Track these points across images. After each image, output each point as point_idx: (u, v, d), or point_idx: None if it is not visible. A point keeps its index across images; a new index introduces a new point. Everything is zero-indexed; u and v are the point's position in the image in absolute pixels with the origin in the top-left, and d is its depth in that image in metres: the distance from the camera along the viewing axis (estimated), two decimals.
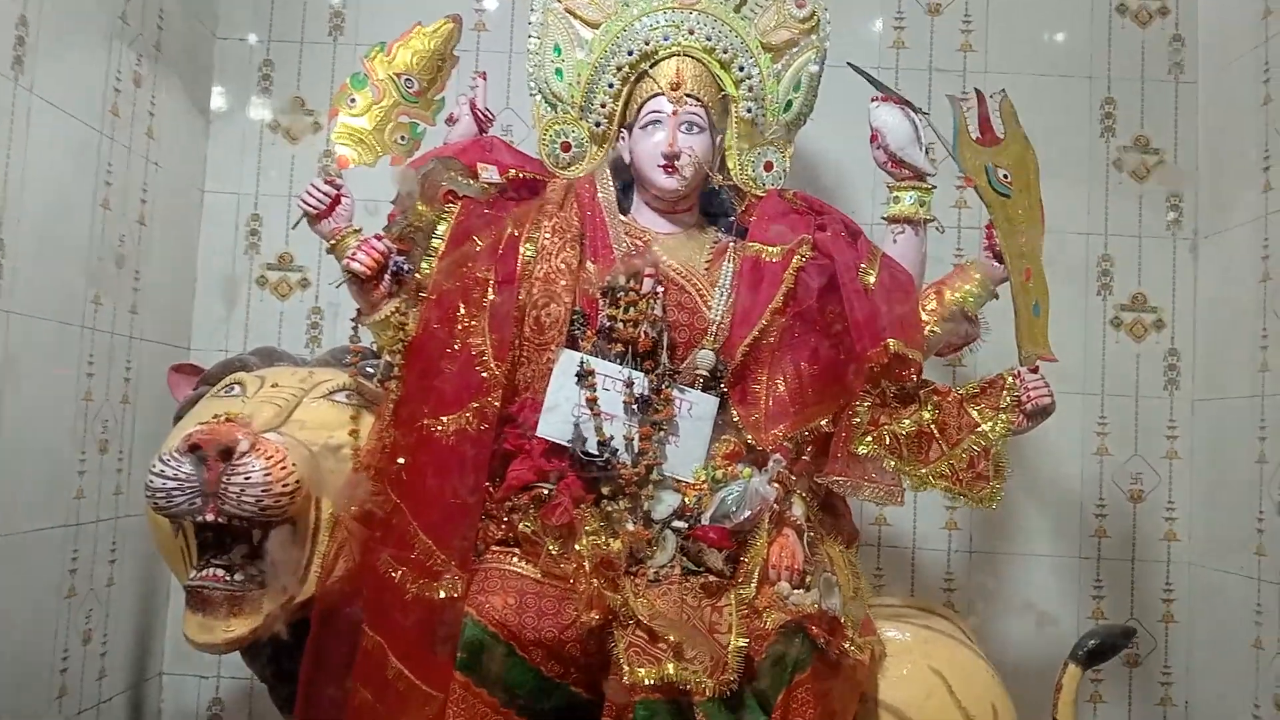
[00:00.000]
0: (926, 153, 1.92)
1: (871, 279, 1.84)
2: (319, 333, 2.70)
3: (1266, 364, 2.38)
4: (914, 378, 1.82)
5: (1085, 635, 2.07)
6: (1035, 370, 1.80)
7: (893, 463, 1.78)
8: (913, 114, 1.92)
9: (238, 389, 1.90)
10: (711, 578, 1.70)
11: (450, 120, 2.08)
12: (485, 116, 2.11)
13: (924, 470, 1.79)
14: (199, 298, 2.71)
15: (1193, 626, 2.63)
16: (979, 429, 1.77)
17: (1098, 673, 2.61)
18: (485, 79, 2.14)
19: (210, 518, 1.65)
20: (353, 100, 1.94)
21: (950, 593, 2.65)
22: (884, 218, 2.00)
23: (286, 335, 2.69)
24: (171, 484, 1.64)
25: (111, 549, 2.37)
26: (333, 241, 1.88)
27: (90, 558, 2.30)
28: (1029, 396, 1.78)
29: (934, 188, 1.96)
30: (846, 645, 1.67)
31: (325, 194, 1.88)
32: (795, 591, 1.69)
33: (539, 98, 2.02)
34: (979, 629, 2.56)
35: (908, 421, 1.80)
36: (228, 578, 1.71)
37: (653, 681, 1.58)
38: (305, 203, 1.89)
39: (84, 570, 2.27)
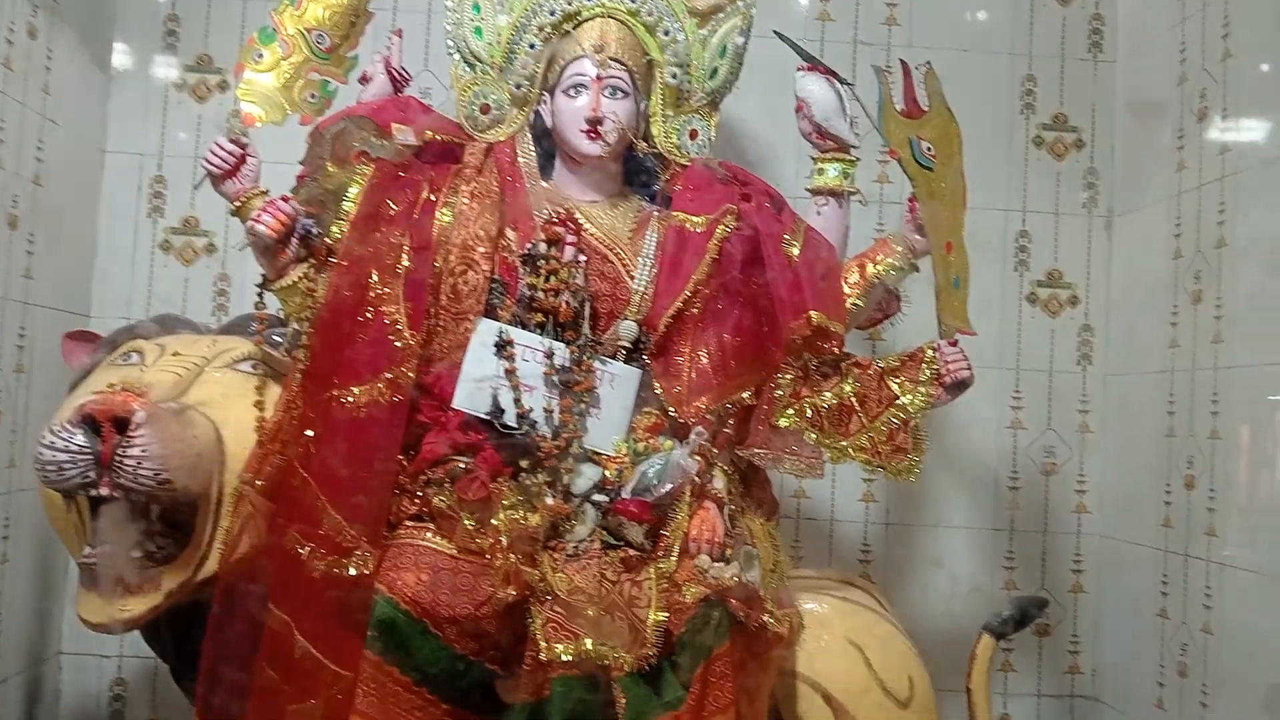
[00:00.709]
0: (851, 125, 1.91)
1: (795, 251, 1.84)
2: (226, 300, 2.60)
3: (1176, 340, 2.44)
4: (836, 350, 1.82)
5: (1000, 606, 2.10)
6: (954, 344, 1.82)
7: (813, 435, 1.79)
8: (838, 85, 1.91)
9: (136, 357, 1.82)
10: (631, 552, 1.69)
11: (364, 79, 2.01)
12: (401, 76, 2.04)
13: (844, 443, 1.80)
14: (99, 262, 2.59)
15: (1101, 597, 2.70)
16: (898, 402, 1.79)
17: (1009, 642, 2.65)
18: (401, 36, 2.07)
19: (105, 492, 1.58)
20: (260, 55, 1.85)
21: (867, 564, 2.68)
22: (808, 189, 1.99)
23: (191, 302, 2.58)
24: (63, 456, 1.57)
25: (4, 524, 2.27)
26: (237, 203, 1.80)
27: None
28: (948, 370, 1.80)
29: (858, 160, 1.95)
30: (765, 618, 1.68)
31: (230, 154, 1.79)
32: (715, 565, 1.68)
33: (457, 57, 1.96)
34: (895, 600, 2.61)
35: (829, 394, 1.80)
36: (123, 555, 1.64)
37: (570, 657, 1.57)
38: (209, 162, 1.80)
39: None
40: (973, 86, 2.68)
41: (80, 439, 1.57)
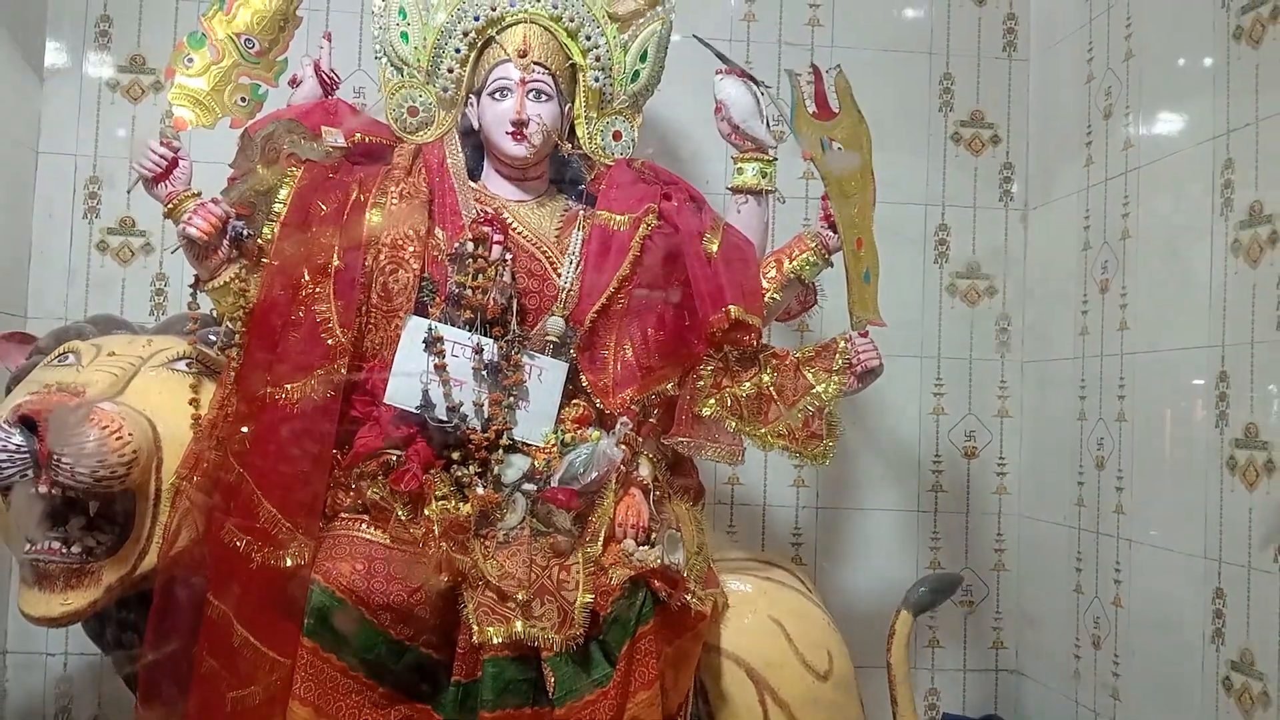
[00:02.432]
0: (768, 126, 1.99)
1: (715, 248, 1.91)
2: (164, 300, 2.62)
3: (1086, 328, 2.55)
4: (754, 342, 1.89)
5: (916, 584, 2.20)
6: (865, 335, 1.90)
7: (734, 423, 1.86)
8: (755, 87, 1.98)
9: (72, 358, 1.83)
10: (560, 538, 1.75)
11: (294, 82, 2.04)
12: (330, 78, 2.08)
13: (763, 430, 1.88)
14: (35, 263, 2.59)
15: (1022, 574, 2.81)
16: (814, 390, 1.87)
17: (934, 619, 2.78)
18: (330, 40, 2.10)
19: (43, 489, 1.60)
20: (190, 60, 1.88)
21: (798, 546, 2.77)
22: (728, 188, 2.06)
23: (129, 302, 2.60)
24: (1, 456, 1.59)
25: None
26: (170, 205, 1.83)
27: None
28: (859, 359, 1.88)
29: (775, 159, 2.03)
30: (688, 598, 1.75)
31: (161, 156, 1.82)
32: (640, 548, 1.75)
33: (385, 61, 2.00)
34: (826, 581, 2.70)
35: (748, 384, 1.88)
36: (64, 550, 1.67)
37: (501, 640, 1.63)
38: (141, 165, 1.83)
39: None
40: (893, 85, 2.79)
41: (18, 439, 1.59)
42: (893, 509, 2.81)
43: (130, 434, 1.65)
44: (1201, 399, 2.10)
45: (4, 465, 1.59)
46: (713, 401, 1.86)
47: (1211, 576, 2.05)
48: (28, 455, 1.59)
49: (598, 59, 2.01)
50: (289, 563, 1.66)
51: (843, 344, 1.90)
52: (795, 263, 1.98)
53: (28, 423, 1.60)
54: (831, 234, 1.96)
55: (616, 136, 2.07)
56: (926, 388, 2.82)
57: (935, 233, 2.84)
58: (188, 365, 1.85)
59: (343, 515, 1.75)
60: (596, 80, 2.01)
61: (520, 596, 1.65)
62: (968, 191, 2.85)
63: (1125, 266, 2.40)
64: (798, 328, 2.69)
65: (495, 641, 1.62)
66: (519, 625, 1.63)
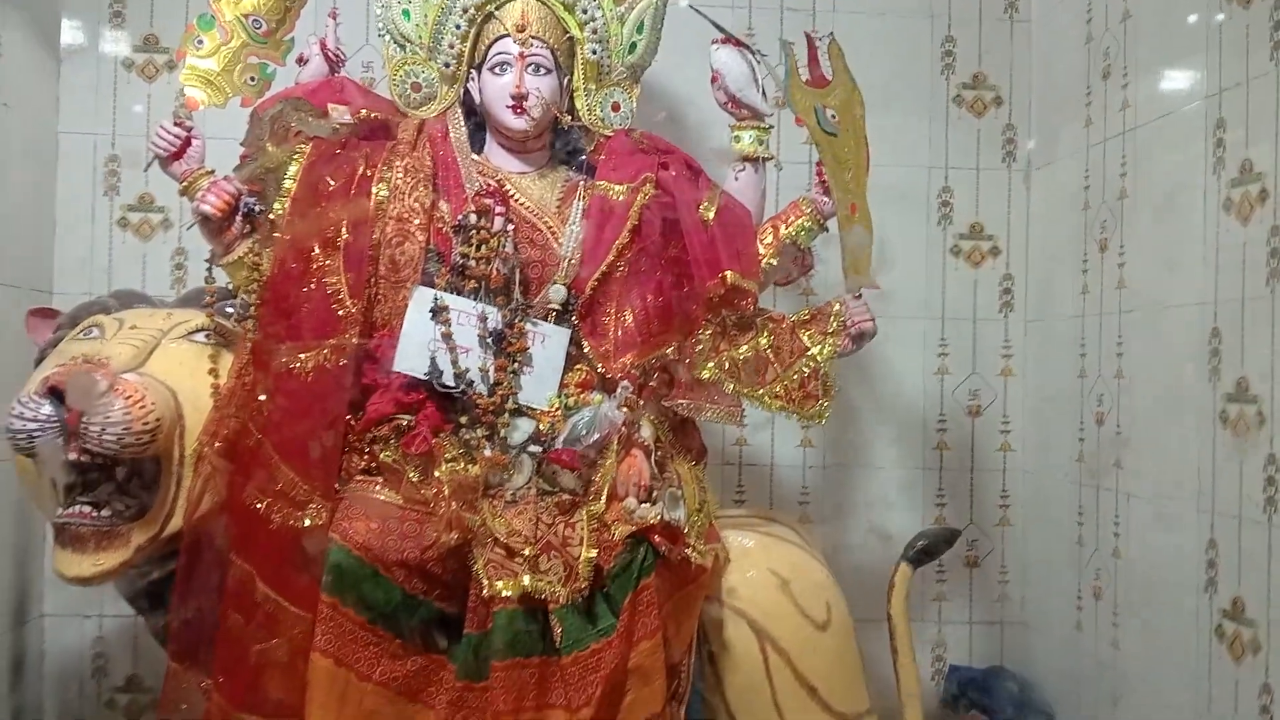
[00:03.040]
0: (763, 94, 2.03)
1: (711, 215, 1.96)
2: (184, 274, 2.68)
3: (1087, 287, 2.58)
4: (751, 307, 1.95)
5: (915, 537, 2.26)
6: (859, 298, 1.95)
7: (732, 385, 1.92)
8: (750, 56, 2.02)
9: (96, 331, 1.91)
10: (565, 496, 1.83)
11: (301, 60, 2.10)
12: (336, 56, 2.13)
13: (761, 391, 1.94)
14: (59, 241, 2.67)
15: (1026, 529, 2.86)
16: (809, 352, 1.92)
17: (941, 574, 2.84)
18: (336, 18, 2.16)
19: (73, 456, 1.69)
20: (200, 42, 1.94)
21: (806, 505, 2.82)
22: (725, 154, 2.10)
23: (150, 277, 2.67)
24: (32, 425, 1.67)
25: None
26: (184, 184, 1.90)
27: None
28: (853, 322, 1.93)
29: (771, 127, 2.07)
30: (688, 552, 1.82)
31: (175, 136, 1.89)
32: (641, 506, 1.82)
33: (388, 38, 2.06)
34: (834, 538, 2.76)
35: (745, 348, 1.94)
36: (95, 514, 1.76)
37: (511, 593, 1.71)
38: (156, 145, 1.90)
39: None
40: (895, 49, 2.81)
41: (47, 409, 1.67)
42: (899, 467, 2.85)
43: (153, 403, 1.73)
44: (1194, 354, 2.14)
45: (36, 434, 1.67)
46: (712, 365, 1.93)
47: (1204, 527, 2.09)
48: (57, 424, 1.68)
49: (595, 32, 2.05)
50: (307, 523, 1.75)
51: (837, 307, 1.95)
52: (791, 228, 2.03)
53: (56, 393, 1.68)
54: (826, 199, 2.00)
55: (615, 108, 2.11)
56: (931, 348, 2.86)
57: (938, 195, 2.86)
58: (206, 336, 1.92)
59: (357, 477, 1.83)
60: (594, 53, 2.06)
61: (527, 552, 1.73)
62: (970, 154, 2.86)
63: (1123, 225, 2.43)
64: (802, 291, 2.74)
65: (504, 595, 1.70)
66: (526, 579, 1.71)
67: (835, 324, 1.93)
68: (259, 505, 1.76)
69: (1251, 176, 1.98)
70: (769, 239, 2.03)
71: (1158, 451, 2.29)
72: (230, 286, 1.94)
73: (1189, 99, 2.17)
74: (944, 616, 2.86)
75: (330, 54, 2.11)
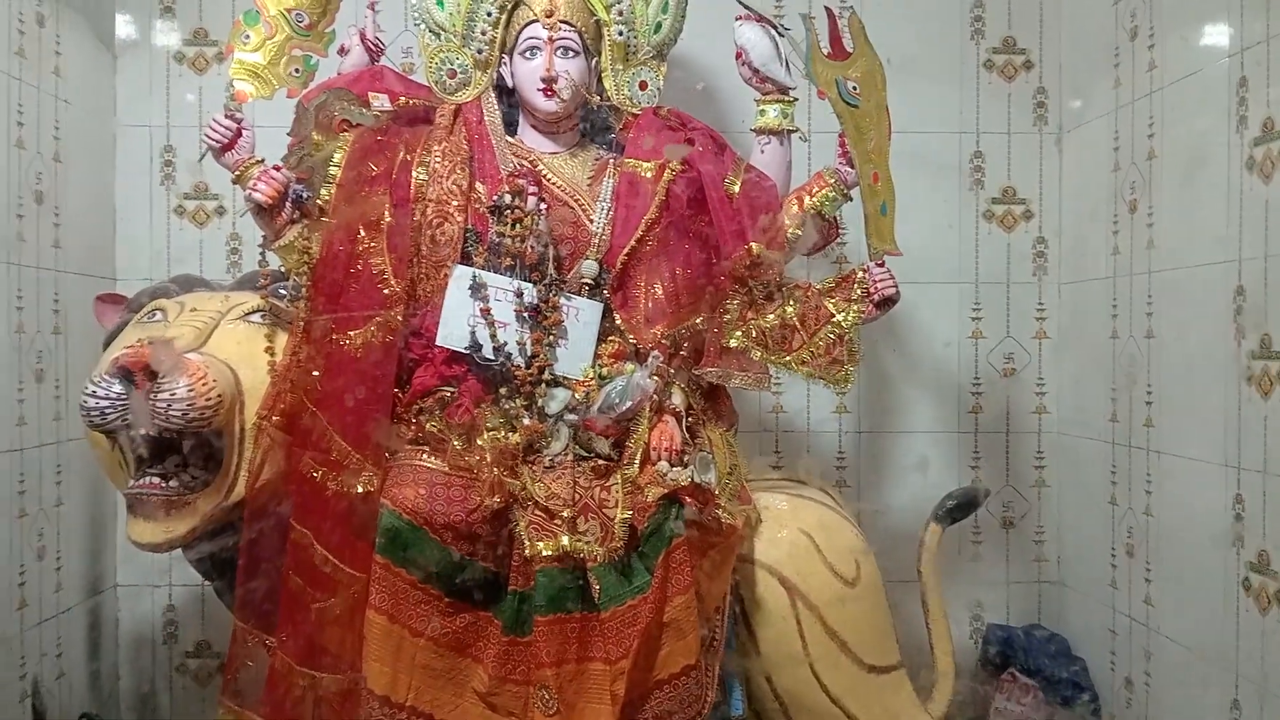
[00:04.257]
0: (787, 68, 2.08)
1: (736, 188, 2.02)
2: (239, 258, 2.80)
3: (1118, 248, 2.60)
4: (777, 277, 2.01)
5: (945, 497, 2.32)
6: (882, 264, 2.00)
7: (759, 353, 1.99)
8: (773, 32, 2.07)
9: (159, 315, 2.02)
10: (600, 461, 1.92)
11: (342, 51, 2.18)
12: (375, 46, 2.21)
13: (787, 358, 2.00)
14: (119, 229, 2.79)
15: (1061, 489, 2.90)
16: (834, 319, 1.98)
17: (977, 535, 2.89)
18: (374, 9, 2.24)
19: (142, 431, 1.81)
20: (247, 37, 2.03)
21: (842, 470, 2.89)
22: (751, 129, 2.16)
23: (207, 261, 2.78)
24: (104, 403, 1.80)
25: (57, 470, 2.51)
26: (237, 173, 2.00)
27: (37, 480, 2.43)
28: (876, 288, 1.99)
29: (795, 100, 2.12)
30: (719, 512, 1.90)
31: (227, 128, 1.98)
32: (673, 469, 1.90)
33: (423, 27, 2.13)
34: (870, 501, 2.82)
35: (772, 316, 2.00)
36: (163, 484, 1.88)
37: (551, 553, 1.81)
38: (209, 137, 1.99)
39: (32, 492, 2.40)
40: (926, 16, 2.83)
41: (118, 387, 1.80)
42: (934, 431, 2.90)
43: (215, 380, 1.84)
44: (1220, 313, 2.16)
45: (107, 411, 1.80)
46: (739, 333, 1.99)
47: (1231, 483, 2.13)
48: (127, 402, 1.80)
49: (621, 13, 2.11)
50: (360, 490, 1.85)
51: (860, 274, 2.00)
52: (815, 199, 2.08)
53: (126, 373, 1.80)
54: (849, 170, 2.05)
55: (643, 86, 2.17)
56: (965, 312, 2.89)
57: (970, 160, 2.89)
58: (262, 317, 2.02)
59: (405, 446, 1.93)
60: (621, 34, 2.12)
61: (566, 514, 1.82)
62: (1002, 117, 2.88)
63: (1152, 186, 2.44)
64: (835, 260, 2.79)
65: (545, 554, 1.80)
66: (565, 539, 1.81)
67: (859, 291, 1.98)
68: (315, 474, 1.86)
69: (1273, 134, 1.99)
70: (794, 210, 2.08)
71: (1186, 410, 2.32)
72: (283, 269, 2.03)
73: (1213, 57, 2.19)
74: (981, 577, 2.91)
75: (370, 44, 2.19)
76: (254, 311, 2.03)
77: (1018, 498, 2.92)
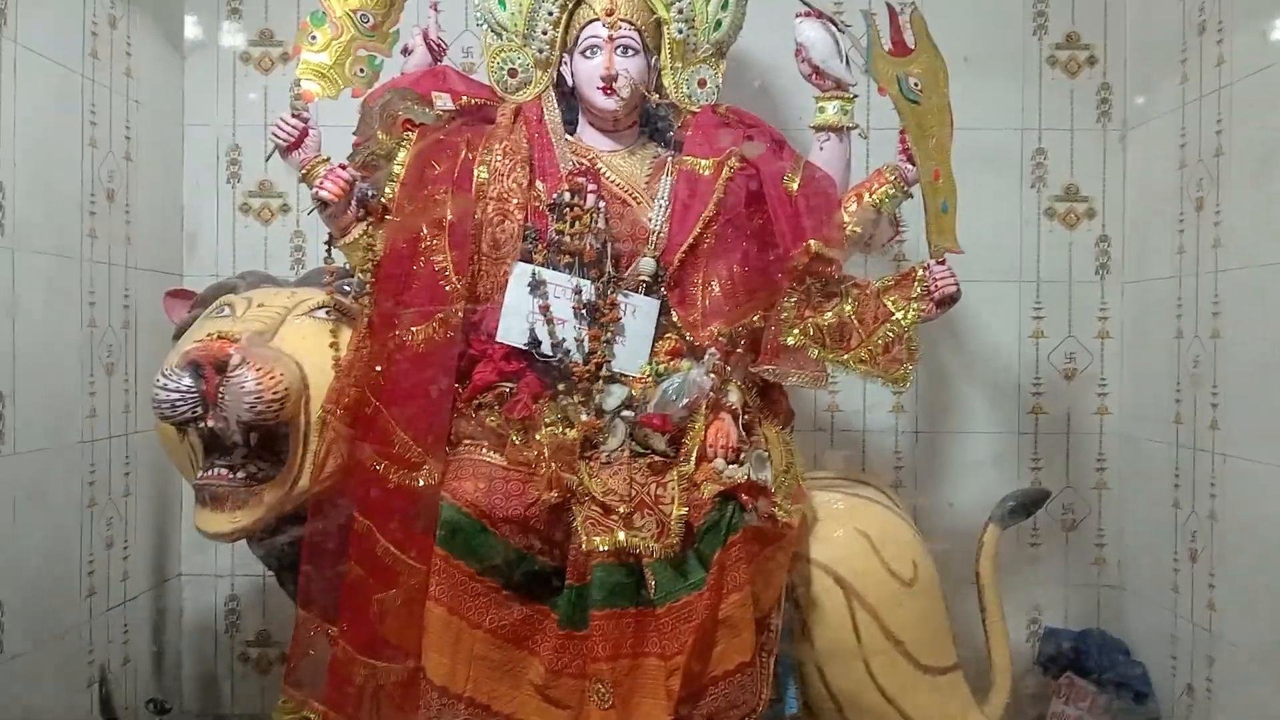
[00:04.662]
0: (847, 64, 2.07)
1: (795, 186, 2.02)
2: (303, 255, 2.85)
3: (1183, 247, 2.55)
4: (834, 274, 2.01)
5: (1004, 498, 2.29)
6: (943, 262, 1.98)
7: (816, 351, 1.98)
8: (834, 29, 2.06)
9: (228, 310, 2.07)
10: (656, 458, 1.92)
11: (405, 51, 2.21)
12: (438, 46, 2.24)
13: (845, 356, 1.99)
14: (187, 226, 2.85)
15: (1123, 492, 2.84)
16: (894, 317, 1.97)
17: (1036, 538, 2.86)
18: (437, 9, 2.27)
19: (211, 424, 1.85)
20: (313, 37, 2.07)
21: (899, 470, 2.87)
22: (811, 126, 2.16)
23: (272, 258, 2.83)
24: (175, 395, 1.84)
25: (125, 462, 2.58)
26: (303, 171, 2.04)
27: (107, 471, 2.50)
28: (936, 286, 1.97)
29: (855, 96, 2.11)
30: (774, 510, 1.90)
31: (294, 127, 2.02)
32: (730, 466, 1.91)
33: (485, 27, 2.16)
34: (928, 502, 2.80)
35: (830, 314, 1.99)
36: (231, 475, 1.92)
37: (607, 548, 1.82)
38: (276, 136, 2.04)
39: (101, 483, 2.47)
40: (988, 12, 2.80)
41: (187, 380, 1.84)
42: (993, 431, 2.87)
43: (281, 374, 1.88)
44: None
45: (178, 404, 1.84)
46: (797, 331, 1.99)
47: None
48: (196, 395, 1.84)
49: (680, 12, 2.12)
50: (421, 483, 1.88)
51: (921, 272, 1.99)
52: (875, 196, 2.07)
53: (195, 366, 1.84)
54: (910, 167, 2.03)
55: (701, 84, 2.17)
56: (1026, 311, 2.85)
57: (1032, 157, 2.85)
58: (327, 313, 2.06)
59: (465, 441, 1.95)
60: (680, 32, 2.12)
61: (622, 510, 1.83)
62: (1065, 114, 2.84)
63: (1220, 184, 2.39)
64: (894, 257, 2.77)
65: (601, 549, 1.82)
66: (621, 535, 1.82)
67: (919, 289, 1.97)
68: (378, 467, 1.89)
69: None
70: (853, 207, 2.07)
71: (1255, 412, 2.27)
72: (348, 266, 2.07)
73: None
74: (1040, 579, 2.87)
75: (432, 44, 2.22)
76: (319, 307, 2.07)
77: (1078, 500, 2.88)
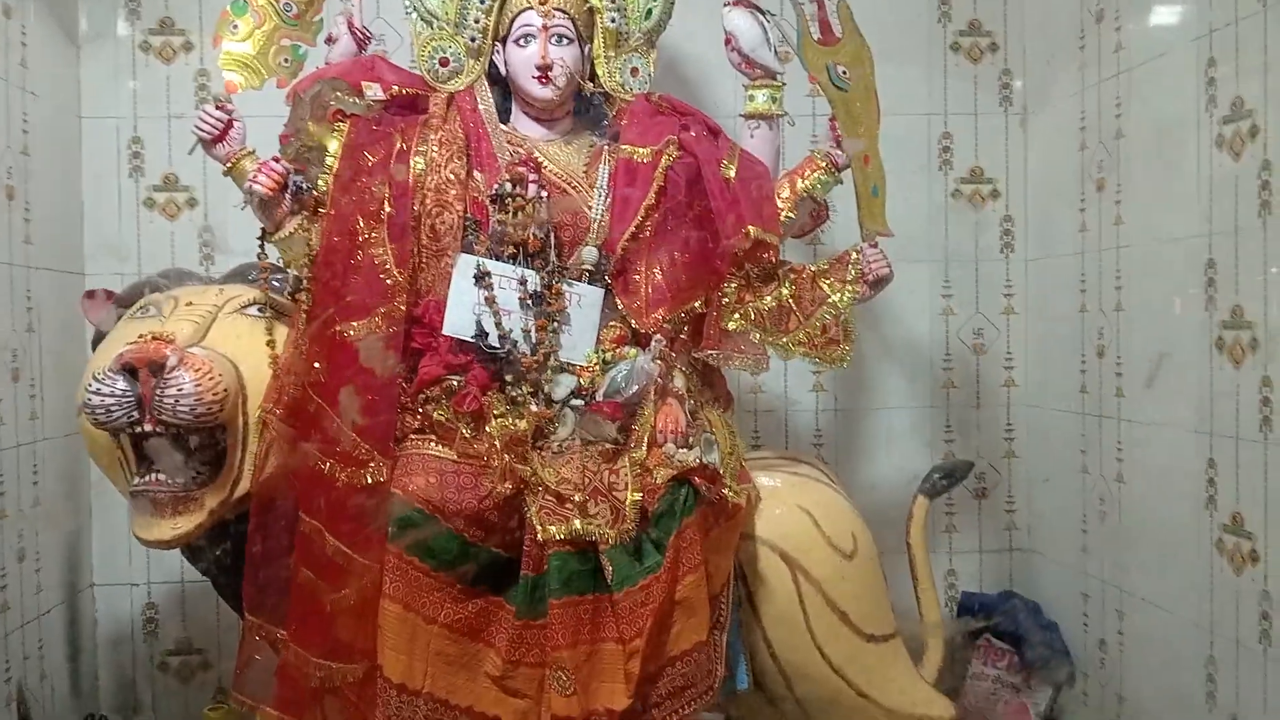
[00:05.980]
0: (774, 53, 2.11)
1: (731, 173, 2.05)
2: (211, 250, 2.75)
3: (1085, 225, 2.68)
4: (773, 259, 2.05)
5: (931, 470, 2.39)
6: (875, 245, 2.05)
7: (758, 335, 2.03)
8: (761, 17, 2.10)
9: (153, 310, 1.99)
10: (608, 445, 1.94)
11: (330, 40, 2.16)
12: (363, 34, 2.20)
13: (785, 339, 2.04)
14: (88, 223, 2.73)
15: (1031, 460, 2.98)
16: (830, 300, 2.02)
17: (951, 506, 2.97)
18: None
19: (149, 428, 1.79)
20: (235, 26, 2.01)
21: (819, 446, 2.94)
22: (741, 114, 2.19)
23: (179, 254, 2.74)
24: (109, 400, 1.77)
25: (33, 471, 2.46)
26: (229, 165, 1.98)
27: (15, 481, 2.38)
28: (870, 269, 2.03)
29: (784, 85, 2.15)
30: (726, 492, 1.94)
31: (217, 120, 1.96)
32: (680, 450, 1.93)
33: (415, 16, 2.12)
34: (849, 476, 2.88)
35: (769, 298, 2.04)
36: (169, 480, 1.86)
37: (563, 536, 1.83)
38: (199, 129, 1.97)
39: (10, 493, 2.36)
40: (893, 1, 2.87)
41: (122, 384, 1.77)
42: (908, 406, 2.97)
43: (220, 374, 1.82)
44: (1191, 285, 2.24)
45: (113, 408, 1.77)
46: (738, 316, 2.03)
47: (1204, 448, 2.21)
48: (132, 399, 1.77)
49: (613, 1, 2.13)
50: (370, 480, 1.85)
51: (854, 255, 2.05)
52: (808, 181, 2.12)
53: (129, 369, 1.78)
54: (840, 152, 2.09)
55: (634, 73, 2.18)
56: (935, 290, 2.96)
57: (939, 141, 2.95)
58: (259, 310, 2.00)
59: (412, 436, 1.93)
60: (613, 21, 2.13)
61: (577, 498, 1.84)
62: (969, 99, 2.94)
63: (1120, 164, 2.52)
64: (809, 241, 2.83)
65: (557, 538, 1.82)
66: (577, 523, 1.83)
67: (854, 272, 2.03)
68: (323, 466, 1.86)
69: (1243, 113, 2.07)
70: (786, 193, 2.12)
71: (1157, 378, 2.40)
72: (280, 261, 2.02)
73: (1180, 39, 2.26)
74: (955, 546, 2.99)
75: (357, 32, 2.17)
76: (251, 304, 2.02)
77: (989, 469, 3.00)
